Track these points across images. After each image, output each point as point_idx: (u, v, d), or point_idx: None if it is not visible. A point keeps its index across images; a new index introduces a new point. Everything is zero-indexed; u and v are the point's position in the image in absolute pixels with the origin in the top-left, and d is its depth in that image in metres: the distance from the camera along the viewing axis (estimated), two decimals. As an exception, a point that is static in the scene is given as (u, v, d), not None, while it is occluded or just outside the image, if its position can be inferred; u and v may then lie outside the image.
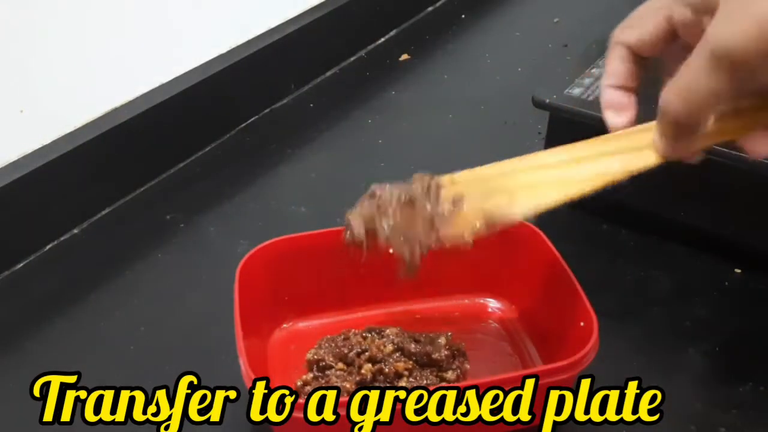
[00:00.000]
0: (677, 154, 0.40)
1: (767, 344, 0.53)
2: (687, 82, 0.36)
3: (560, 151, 0.43)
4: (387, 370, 0.47)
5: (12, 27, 0.59)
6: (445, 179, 0.44)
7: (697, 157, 0.41)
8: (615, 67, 0.42)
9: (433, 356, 0.47)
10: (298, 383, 0.48)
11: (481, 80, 0.84)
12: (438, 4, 0.99)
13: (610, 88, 0.42)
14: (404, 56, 0.88)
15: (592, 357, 0.43)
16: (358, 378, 0.47)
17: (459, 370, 0.48)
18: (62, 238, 0.63)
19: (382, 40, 0.92)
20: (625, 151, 0.41)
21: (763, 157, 0.38)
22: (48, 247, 0.62)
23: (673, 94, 0.37)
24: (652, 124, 0.40)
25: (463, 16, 0.97)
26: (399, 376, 0.47)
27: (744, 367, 0.51)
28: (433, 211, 0.43)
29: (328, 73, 0.86)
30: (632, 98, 0.42)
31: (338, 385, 0.46)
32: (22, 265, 0.60)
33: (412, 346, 0.48)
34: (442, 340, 0.48)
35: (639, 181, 0.59)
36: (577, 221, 0.63)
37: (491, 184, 0.43)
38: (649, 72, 0.41)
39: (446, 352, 0.48)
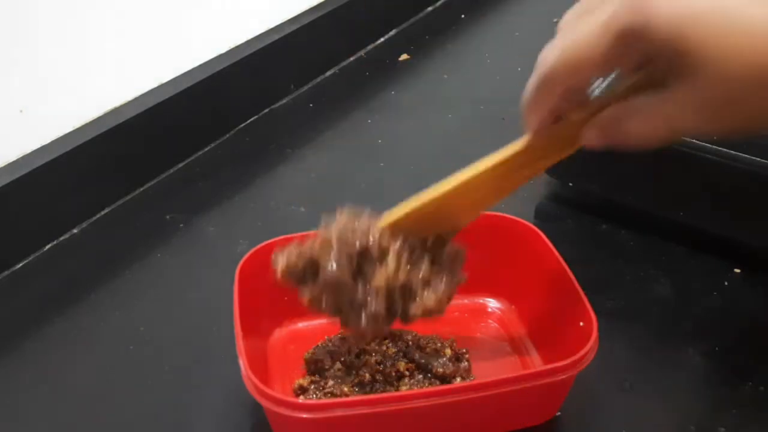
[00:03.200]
0: (533, 120, 0.38)
1: (767, 344, 0.53)
2: (578, 38, 0.34)
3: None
4: (387, 370, 0.47)
5: (12, 27, 0.59)
6: (384, 227, 0.42)
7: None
8: (546, 110, 0.38)
9: (438, 371, 0.47)
10: (295, 385, 0.48)
11: (481, 80, 0.84)
12: (438, 4, 0.99)
13: (537, 116, 0.38)
14: (404, 56, 0.88)
15: (591, 357, 0.43)
16: (356, 379, 0.47)
17: (462, 378, 0.48)
18: (62, 238, 0.63)
19: (382, 40, 0.92)
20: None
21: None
22: (47, 247, 0.62)
23: (556, 47, 0.35)
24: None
25: (463, 16, 0.97)
26: (400, 376, 0.47)
27: (744, 367, 0.51)
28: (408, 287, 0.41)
29: (328, 73, 0.86)
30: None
31: (337, 385, 0.46)
32: (21, 265, 0.60)
33: (416, 356, 0.48)
34: (447, 351, 0.48)
35: (639, 181, 0.60)
36: (577, 221, 0.63)
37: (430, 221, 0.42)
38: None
39: (451, 366, 0.47)
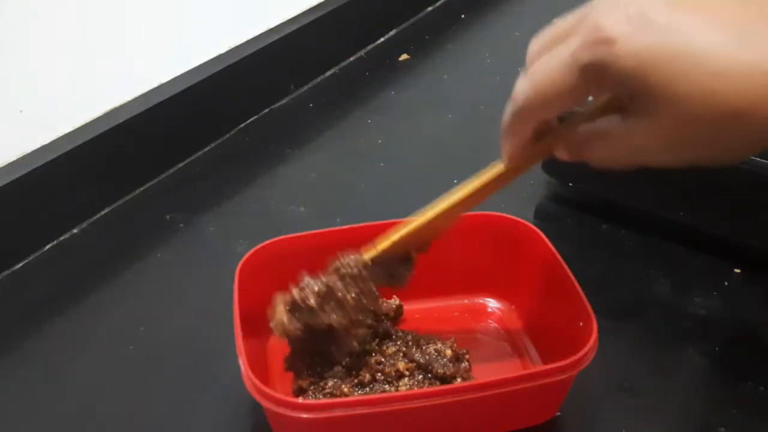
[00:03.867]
0: (510, 148, 0.40)
1: (767, 344, 0.53)
2: (545, 73, 0.35)
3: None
4: (387, 370, 0.47)
5: (12, 27, 0.59)
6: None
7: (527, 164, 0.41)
8: (525, 139, 0.39)
9: (438, 372, 0.47)
10: (295, 387, 0.48)
11: (481, 80, 0.84)
12: (438, 4, 0.99)
13: (513, 143, 0.40)
14: (404, 56, 0.88)
15: (591, 357, 0.43)
16: (356, 379, 0.47)
17: (462, 378, 0.47)
18: (62, 238, 0.63)
19: (382, 40, 0.92)
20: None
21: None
22: (47, 247, 0.62)
23: (527, 82, 0.36)
24: None
25: (463, 16, 0.97)
26: (400, 376, 0.47)
27: (744, 367, 0.51)
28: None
29: (328, 73, 0.86)
30: None
31: (337, 386, 0.46)
32: (21, 265, 0.60)
33: (417, 355, 0.48)
34: (448, 352, 0.48)
35: (639, 181, 0.60)
36: (577, 221, 0.63)
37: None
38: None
39: (452, 367, 0.47)
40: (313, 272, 0.52)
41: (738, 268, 0.58)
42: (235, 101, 0.76)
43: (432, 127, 0.77)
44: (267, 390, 0.41)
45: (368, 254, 0.46)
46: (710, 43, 0.31)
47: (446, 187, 0.67)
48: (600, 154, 0.37)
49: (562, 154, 0.39)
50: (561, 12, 0.37)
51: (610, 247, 0.61)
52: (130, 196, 0.67)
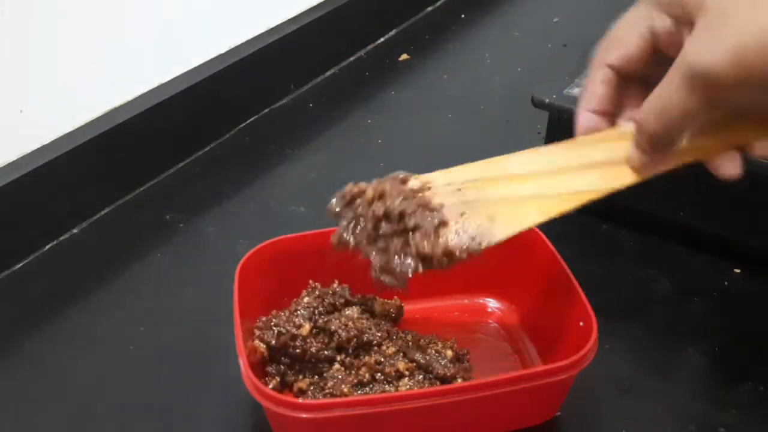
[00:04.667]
0: (651, 170, 0.41)
1: (767, 344, 0.53)
2: (662, 101, 0.37)
3: (535, 157, 0.43)
4: (387, 369, 0.47)
5: (12, 27, 0.59)
6: (418, 182, 0.44)
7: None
8: (596, 90, 0.41)
9: (439, 373, 0.47)
10: (295, 389, 0.48)
11: (481, 80, 0.84)
12: (438, 4, 0.99)
13: (589, 112, 0.42)
14: (404, 56, 0.88)
15: (591, 357, 0.43)
16: (356, 379, 0.47)
17: (462, 378, 0.47)
18: (62, 238, 0.63)
19: (382, 40, 0.92)
20: (603, 166, 0.41)
21: (732, 178, 0.40)
22: (47, 247, 0.62)
23: (649, 111, 0.37)
24: (627, 130, 0.40)
25: (463, 16, 0.97)
26: (400, 376, 0.47)
27: (744, 367, 0.51)
28: (416, 226, 0.43)
29: (328, 73, 0.86)
30: (609, 125, 0.42)
31: (337, 386, 0.46)
32: (21, 265, 0.60)
33: (417, 356, 0.48)
34: (449, 353, 0.48)
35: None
36: (577, 221, 0.63)
37: (467, 197, 0.43)
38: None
39: (452, 368, 0.47)
40: (313, 274, 0.52)
41: (738, 268, 0.58)
42: (235, 101, 0.76)
43: (432, 127, 0.77)
44: (267, 390, 0.41)
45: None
46: None
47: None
48: None
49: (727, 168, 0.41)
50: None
51: (610, 247, 0.61)
52: (130, 196, 0.67)
